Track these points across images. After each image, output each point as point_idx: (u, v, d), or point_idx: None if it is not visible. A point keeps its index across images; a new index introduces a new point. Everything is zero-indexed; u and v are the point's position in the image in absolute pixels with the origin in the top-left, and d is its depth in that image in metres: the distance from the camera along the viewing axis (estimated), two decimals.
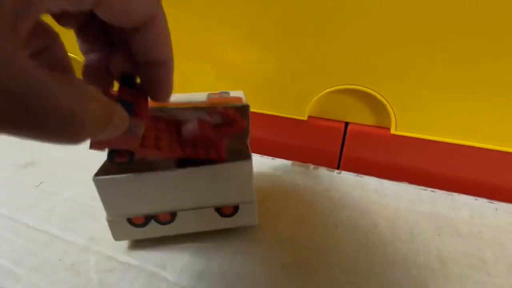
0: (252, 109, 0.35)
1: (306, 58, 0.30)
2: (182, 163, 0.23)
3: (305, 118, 0.34)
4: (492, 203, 0.29)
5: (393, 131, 0.31)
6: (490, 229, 0.27)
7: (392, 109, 0.29)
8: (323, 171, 0.34)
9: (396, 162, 0.33)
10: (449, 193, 0.30)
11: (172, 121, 0.23)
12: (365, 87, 0.29)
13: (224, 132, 0.23)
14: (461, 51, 0.25)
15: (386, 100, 0.29)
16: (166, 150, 0.20)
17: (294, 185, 0.31)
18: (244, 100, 0.27)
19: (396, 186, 0.31)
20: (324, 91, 0.31)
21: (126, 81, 0.17)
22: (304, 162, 0.34)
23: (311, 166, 0.34)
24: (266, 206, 0.30)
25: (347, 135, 0.33)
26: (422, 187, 0.31)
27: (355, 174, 0.33)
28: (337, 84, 0.30)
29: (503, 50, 0.24)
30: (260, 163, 0.35)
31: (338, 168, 0.36)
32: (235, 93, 0.30)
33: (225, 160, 0.23)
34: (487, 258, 0.25)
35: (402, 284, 0.23)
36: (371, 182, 0.32)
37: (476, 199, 0.29)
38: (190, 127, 0.22)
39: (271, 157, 0.35)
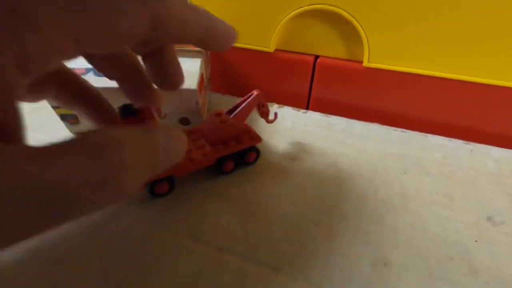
0: None
1: None
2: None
3: (271, 50, 0.30)
4: (468, 144, 0.26)
5: (365, 63, 0.27)
6: (462, 169, 0.24)
7: (366, 35, 0.26)
8: (287, 110, 0.30)
9: (368, 101, 0.29)
10: (422, 134, 0.27)
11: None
12: (335, 6, 0.26)
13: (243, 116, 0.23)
14: None
15: (359, 24, 0.26)
16: (200, 159, 0.21)
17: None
18: None
19: (365, 127, 0.28)
20: (290, 14, 0.27)
21: (128, 111, 0.18)
22: (270, 101, 0.31)
23: (275, 105, 0.31)
24: None
25: (316, 70, 0.30)
26: (393, 127, 0.28)
27: (322, 114, 0.30)
28: (303, 4, 0.26)
29: None
30: (222, 100, 0.32)
31: (307, 108, 0.33)
32: None
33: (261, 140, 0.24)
34: (455, 196, 0.22)
35: (357, 216, 0.20)
36: (339, 122, 0.29)
37: (450, 140, 0.26)
38: (210, 126, 0.23)
39: (234, 96, 0.32)
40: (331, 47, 0.29)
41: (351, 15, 0.26)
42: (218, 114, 0.23)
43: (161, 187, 0.21)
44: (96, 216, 0.20)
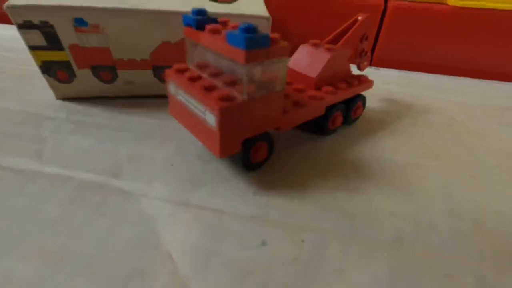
0: None
1: None
2: None
3: None
4: None
5: (452, 1, 0.22)
6: None
7: None
8: (353, 68, 0.24)
9: (454, 50, 0.24)
10: None
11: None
12: None
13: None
14: None
15: None
16: (310, 104, 0.14)
17: None
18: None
19: (454, 81, 0.23)
20: None
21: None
22: None
23: None
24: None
25: (387, 16, 0.24)
26: (488, 80, 0.23)
27: (397, 70, 0.24)
28: None
29: None
30: None
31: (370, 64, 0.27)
32: None
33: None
34: None
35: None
36: (421, 78, 0.23)
37: None
38: (311, 60, 0.15)
39: None
40: None
41: None
42: (316, 44, 0.16)
43: (259, 152, 0.13)
44: None
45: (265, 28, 0.17)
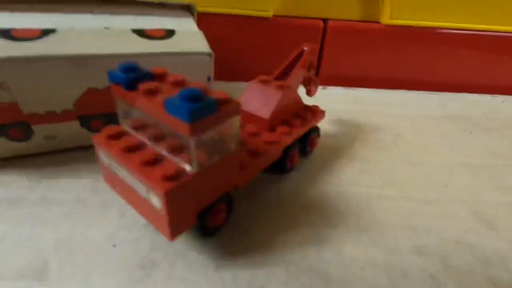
0: (205, 9, 0.22)
1: None
2: None
3: (270, 15, 0.23)
4: (495, 96, 0.25)
5: (385, 20, 0.23)
6: (505, 121, 0.22)
7: None
8: (301, 89, 0.24)
9: (390, 64, 0.25)
10: (454, 94, 0.25)
11: None
12: None
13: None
14: None
15: None
16: (268, 151, 0.13)
17: None
18: None
19: (395, 94, 0.24)
20: None
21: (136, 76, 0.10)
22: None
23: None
24: None
25: (326, 36, 0.24)
26: (423, 91, 0.25)
27: (342, 87, 0.25)
28: None
29: None
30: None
31: None
32: None
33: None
34: None
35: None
36: (366, 94, 0.24)
37: (482, 96, 0.25)
38: (262, 99, 0.14)
39: (223, 81, 0.23)
40: (342, 8, 0.24)
41: None
42: (265, 81, 0.15)
43: (217, 217, 0.11)
44: None
45: (207, 65, 0.16)
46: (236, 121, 0.10)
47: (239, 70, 0.25)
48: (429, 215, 0.14)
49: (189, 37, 0.16)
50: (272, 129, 0.14)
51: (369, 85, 0.25)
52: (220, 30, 0.23)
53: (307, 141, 0.16)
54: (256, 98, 0.14)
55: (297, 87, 0.16)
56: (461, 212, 0.14)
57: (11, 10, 0.15)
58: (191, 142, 0.09)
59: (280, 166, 0.15)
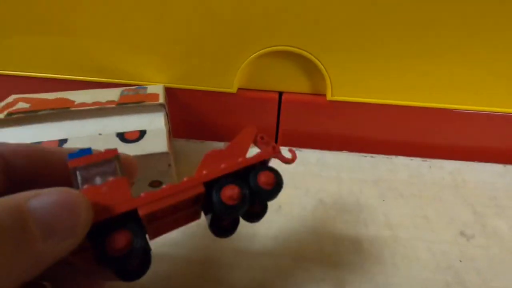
0: (173, 85, 0.29)
1: (225, 20, 0.25)
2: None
3: (234, 91, 0.29)
4: (425, 161, 0.29)
5: (329, 97, 0.28)
6: (427, 187, 0.27)
7: (327, 72, 0.27)
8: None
9: (335, 131, 0.31)
10: (388, 156, 0.29)
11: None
12: (297, 48, 0.26)
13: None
14: (397, 14, 0.24)
15: (320, 62, 0.26)
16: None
17: None
18: (162, 98, 0.26)
19: (336, 156, 0.29)
20: (252, 55, 0.27)
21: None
22: None
23: None
24: None
25: (282, 106, 0.30)
26: (361, 154, 0.30)
27: (294, 148, 0.30)
28: (265, 46, 0.26)
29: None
30: (187, 147, 0.29)
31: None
32: (153, 88, 0.28)
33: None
34: (430, 215, 0.24)
35: (355, 261, 0.21)
36: (311, 155, 0.29)
37: (411, 159, 0.29)
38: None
39: (199, 140, 0.30)
40: (294, 83, 0.29)
41: (312, 54, 0.26)
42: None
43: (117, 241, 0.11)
44: None
45: (166, 158, 0.22)
46: (113, 162, 0.12)
47: (211, 131, 0.31)
48: None
49: (154, 137, 0.23)
50: None
51: (315, 147, 0.30)
52: (192, 101, 0.30)
53: (253, 176, 0.14)
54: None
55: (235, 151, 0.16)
56: None
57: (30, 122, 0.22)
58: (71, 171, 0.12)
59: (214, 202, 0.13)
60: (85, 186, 0.12)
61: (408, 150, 0.30)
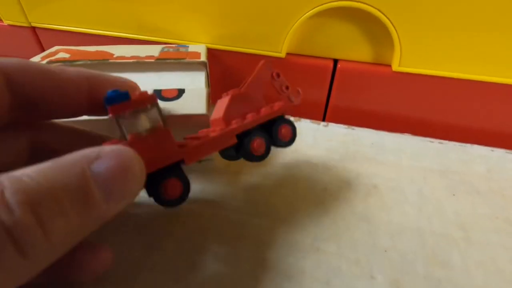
0: (216, 45, 0.26)
1: None
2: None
3: (283, 55, 0.26)
4: (510, 153, 0.24)
5: (395, 67, 0.24)
6: (511, 184, 0.22)
7: (398, 35, 0.22)
8: (305, 124, 0.26)
9: (397, 109, 0.26)
10: (461, 144, 0.24)
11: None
12: (363, 3, 0.22)
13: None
14: None
15: (391, 22, 0.22)
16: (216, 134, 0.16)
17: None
18: (204, 56, 0.24)
19: (397, 139, 0.25)
20: (306, 14, 0.23)
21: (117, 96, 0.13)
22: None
23: (291, 118, 0.27)
24: (232, 170, 0.22)
25: (336, 75, 0.26)
26: (428, 138, 0.25)
27: (345, 126, 0.26)
28: (321, 1, 0.22)
29: None
30: None
31: (324, 120, 0.29)
32: (196, 47, 0.25)
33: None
34: None
35: (417, 259, 0.17)
36: (366, 135, 0.26)
37: (492, 150, 0.24)
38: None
39: None
40: (353, 50, 0.25)
41: (381, 12, 0.22)
42: (226, 94, 0.18)
43: (171, 189, 0.14)
44: None
45: (204, 121, 0.20)
46: (153, 109, 0.13)
47: None
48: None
49: (194, 96, 0.21)
50: (228, 125, 0.17)
51: (374, 127, 0.26)
52: (236, 64, 0.27)
53: (276, 131, 0.18)
54: (217, 107, 0.18)
55: (257, 92, 0.18)
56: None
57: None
58: (113, 119, 0.12)
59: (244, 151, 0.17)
60: (130, 136, 0.13)
61: (487, 138, 0.25)
